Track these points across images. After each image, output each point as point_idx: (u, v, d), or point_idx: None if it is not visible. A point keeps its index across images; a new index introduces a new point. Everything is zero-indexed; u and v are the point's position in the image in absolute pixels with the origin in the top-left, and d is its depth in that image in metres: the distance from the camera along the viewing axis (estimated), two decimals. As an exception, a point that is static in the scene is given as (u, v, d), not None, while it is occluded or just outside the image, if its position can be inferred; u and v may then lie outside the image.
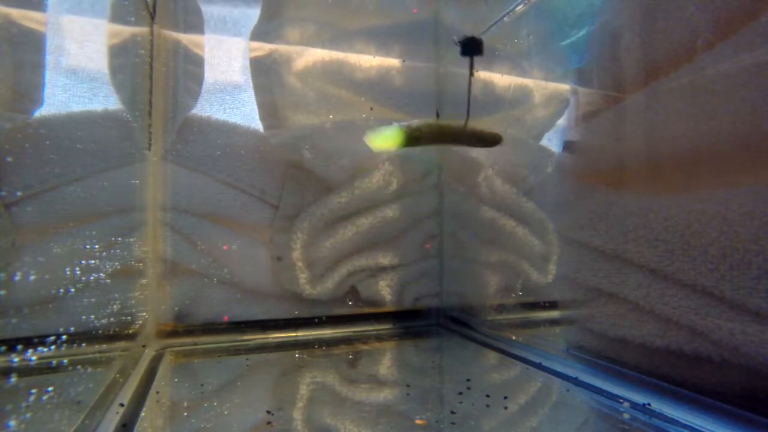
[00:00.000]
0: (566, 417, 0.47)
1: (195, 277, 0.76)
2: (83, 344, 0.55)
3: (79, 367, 0.52)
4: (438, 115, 0.79)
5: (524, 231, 0.81)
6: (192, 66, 0.78)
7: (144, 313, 0.72)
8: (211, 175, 0.77)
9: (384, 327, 0.85)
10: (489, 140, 0.77)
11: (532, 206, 0.81)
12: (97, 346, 0.57)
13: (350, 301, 0.84)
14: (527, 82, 0.86)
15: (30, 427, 0.39)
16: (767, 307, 0.40)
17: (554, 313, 0.75)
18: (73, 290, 0.57)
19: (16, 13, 0.52)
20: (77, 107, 0.59)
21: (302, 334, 0.79)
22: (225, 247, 0.76)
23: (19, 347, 0.46)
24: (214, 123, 0.78)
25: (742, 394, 0.43)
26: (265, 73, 0.81)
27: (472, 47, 0.79)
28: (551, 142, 0.83)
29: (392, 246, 0.85)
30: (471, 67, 0.76)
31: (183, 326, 0.75)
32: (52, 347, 0.51)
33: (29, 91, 0.56)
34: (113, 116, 0.64)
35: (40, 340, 0.49)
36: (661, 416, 0.45)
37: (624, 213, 0.54)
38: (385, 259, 0.84)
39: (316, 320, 0.82)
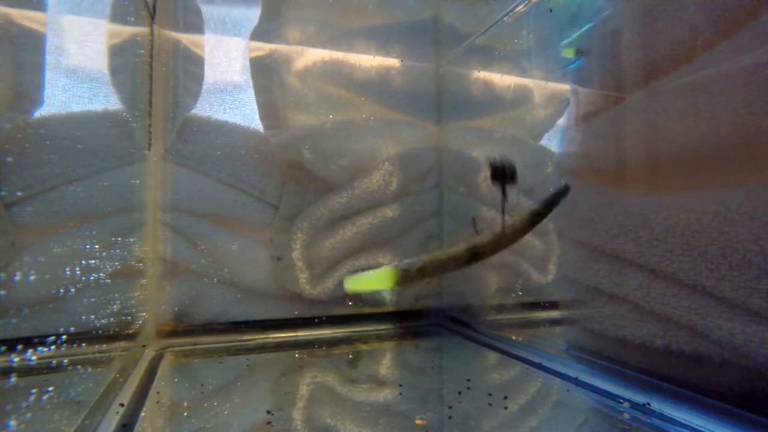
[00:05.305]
0: (566, 417, 0.47)
1: (195, 277, 0.76)
2: (83, 344, 0.55)
3: (79, 367, 0.52)
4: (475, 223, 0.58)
5: (524, 231, 0.81)
6: (192, 66, 0.78)
7: (144, 313, 0.72)
8: (211, 175, 0.77)
9: (384, 327, 0.85)
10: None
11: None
12: (97, 346, 0.57)
13: (350, 301, 0.84)
14: (527, 82, 0.87)
15: (30, 427, 0.39)
16: (767, 307, 0.40)
17: (554, 313, 0.75)
18: (73, 290, 0.57)
19: (16, 13, 0.52)
20: (77, 107, 0.59)
21: (302, 334, 0.79)
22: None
23: (19, 347, 0.46)
24: (214, 123, 0.78)
25: (742, 394, 0.43)
26: (265, 73, 0.81)
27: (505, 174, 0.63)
28: (551, 142, 0.83)
29: (392, 246, 0.85)
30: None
31: (183, 326, 0.75)
32: (52, 347, 0.51)
33: (29, 91, 0.56)
34: (113, 116, 0.64)
35: (40, 340, 0.49)
36: (661, 416, 0.45)
37: (624, 213, 0.54)
38: (385, 259, 0.84)
39: (316, 320, 0.82)
